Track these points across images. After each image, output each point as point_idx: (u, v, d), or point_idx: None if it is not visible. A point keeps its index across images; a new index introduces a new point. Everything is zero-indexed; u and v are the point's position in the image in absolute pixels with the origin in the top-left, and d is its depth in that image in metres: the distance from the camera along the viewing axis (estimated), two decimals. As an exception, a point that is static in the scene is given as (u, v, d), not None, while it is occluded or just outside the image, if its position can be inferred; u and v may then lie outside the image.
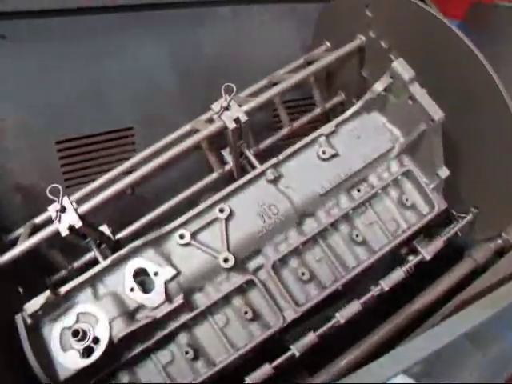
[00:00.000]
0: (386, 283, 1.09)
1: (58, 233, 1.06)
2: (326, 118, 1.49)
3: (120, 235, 1.26)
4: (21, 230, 1.18)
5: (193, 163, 1.39)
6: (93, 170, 1.34)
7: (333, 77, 1.41)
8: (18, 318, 0.96)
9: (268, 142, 1.34)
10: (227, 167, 1.30)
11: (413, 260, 1.13)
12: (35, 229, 1.16)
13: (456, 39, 0.99)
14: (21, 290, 1.12)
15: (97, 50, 1.27)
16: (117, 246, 1.25)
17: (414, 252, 1.16)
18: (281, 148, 1.31)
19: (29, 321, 0.96)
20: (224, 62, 1.36)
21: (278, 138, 1.35)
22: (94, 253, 1.13)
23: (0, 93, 1.20)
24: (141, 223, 1.29)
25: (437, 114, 1.00)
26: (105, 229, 1.24)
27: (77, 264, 1.25)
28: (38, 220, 1.18)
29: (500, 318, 1.05)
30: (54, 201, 1.05)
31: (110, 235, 1.24)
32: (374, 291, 1.10)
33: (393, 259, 1.22)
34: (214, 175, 1.31)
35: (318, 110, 1.38)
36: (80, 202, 1.10)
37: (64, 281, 1.25)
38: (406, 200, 1.10)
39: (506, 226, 1.16)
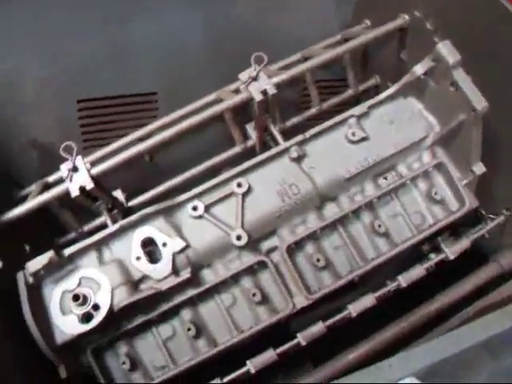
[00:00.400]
0: (405, 279, 1.03)
1: (68, 193, 1.04)
2: (357, 101, 1.42)
3: (133, 202, 1.22)
4: (31, 188, 1.15)
5: (216, 136, 1.34)
6: (112, 134, 1.29)
7: (369, 58, 1.33)
8: (20, 275, 0.93)
9: (295, 120, 1.28)
10: (250, 142, 1.25)
11: (435, 258, 1.07)
12: (47, 187, 1.13)
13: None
14: (27, 248, 1.09)
15: (125, 8, 1.21)
16: (129, 212, 1.22)
17: (437, 249, 1.10)
18: (307, 128, 1.26)
19: (30, 280, 0.93)
20: (258, 33, 1.29)
21: (306, 117, 1.29)
22: (105, 217, 1.10)
23: (24, 47, 1.16)
24: (155, 192, 1.25)
25: (480, 103, 0.93)
26: (118, 194, 1.21)
27: (87, 227, 1.22)
28: (51, 178, 1.15)
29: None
30: (67, 159, 1.03)
31: (123, 201, 1.21)
32: (391, 286, 1.04)
33: (411, 255, 1.17)
34: (236, 149, 1.25)
35: (350, 92, 1.31)
36: (95, 163, 1.06)
37: (72, 243, 1.24)
38: (435, 194, 1.03)
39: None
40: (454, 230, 1.13)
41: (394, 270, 1.09)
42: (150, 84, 1.29)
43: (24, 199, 1.14)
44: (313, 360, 1.21)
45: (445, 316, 1.11)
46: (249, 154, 1.28)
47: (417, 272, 1.04)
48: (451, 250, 1.05)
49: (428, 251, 1.15)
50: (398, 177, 1.05)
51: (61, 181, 1.13)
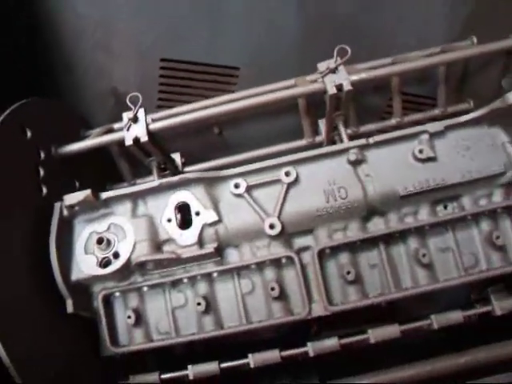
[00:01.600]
0: (438, 321, 0.94)
1: (123, 141, 1.06)
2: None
3: (189, 168, 1.23)
4: (97, 130, 1.19)
5: (290, 125, 1.30)
6: (187, 98, 1.30)
7: (467, 80, 1.22)
8: (57, 205, 0.96)
9: (370, 126, 1.21)
10: (318, 138, 1.20)
11: (479, 309, 0.96)
12: (109, 132, 1.16)
13: None
14: (77, 185, 1.12)
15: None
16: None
17: (485, 301, 0.99)
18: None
19: (65, 212, 0.96)
20: (356, 26, 1.23)
21: (382, 127, 1.21)
22: (153, 173, 1.11)
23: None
24: (212, 164, 1.24)
25: None
26: (177, 157, 1.21)
27: (140, 181, 1.24)
28: (116, 126, 1.18)
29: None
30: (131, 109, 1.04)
31: (179, 165, 1.21)
32: (422, 324, 0.95)
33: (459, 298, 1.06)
34: (303, 141, 1.21)
35: (436, 112, 1.21)
36: (157, 121, 1.07)
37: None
38: (497, 238, 0.92)
39: None
40: (510, 284, 1.01)
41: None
42: (235, 58, 1.28)
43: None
44: (320, 376, 1.14)
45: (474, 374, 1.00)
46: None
47: (454, 317, 0.94)
48: (500, 305, 0.94)
49: (476, 301, 1.04)
50: (459, 209, 0.95)
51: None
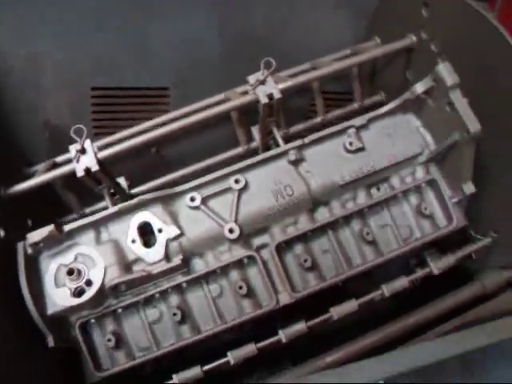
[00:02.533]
0: (388, 289, 1.07)
1: (73, 174, 1.09)
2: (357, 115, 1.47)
3: (135, 190, 1.27)
4: (40, 166, 1.20)
5: (223, 136, 1.39)
6: (121, 123, 1.34)
7: (377, 75, 1.38)
8: (20, 245, 0.97)
9: (298, 127, 1.32)
10: (253, 144, 1.29)
11: (419, 272, 1.10)
12: (54, 166, 1.18)
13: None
14: (30, 223, 1.13)
15: (149, 4, 1.26)
16: (129, 199, 1.26)
17: (423, 264, 1.13)
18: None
19: (29, 250, 0.98)
20: (272, 39, 1.34)
21: (309, 126, 1.33)
22: (106, 200, 1.15)
23: (46, 30, 1.21)
24: (157, 183, 1.30)
25: (473, 125, 0.96)
26: (122, 181, 1.25)
27: (89, 210, 1.27)
28: (60, 159, 1.20)
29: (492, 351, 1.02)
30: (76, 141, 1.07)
31: (126, 188, 1.25)
32: (375, 295, 1.08)
33: (400, 267, 1.19)
34: (239, 150, 1.30)
35: (354, 106, 1.35)
36: (102, 148, 1.11)
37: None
38: (425, 209, 1.07)
39: (524, 257, 1.12)
40: (442, 247, 1.16)
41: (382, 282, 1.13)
42: (163, 79, 1.34)
43: (32, 176, 1.20)
44: (292, 360, 1.24)
45: (423, 330, 1.14)
46: (251, 155, 1.33)
47: (401, 283, 1.07)
48: (436, 266, 1.09)
49: (415, 265, 1.18)
50: (390, 189, 1.09)
51: (68, 161, 1.19)
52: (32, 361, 0.95)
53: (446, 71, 0.98)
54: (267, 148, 1.28)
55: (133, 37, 1.27)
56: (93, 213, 1.27)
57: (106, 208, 1.24)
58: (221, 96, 1.23)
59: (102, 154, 1.08)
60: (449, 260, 1.10)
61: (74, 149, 1.06)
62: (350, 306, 1.05)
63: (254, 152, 1.31)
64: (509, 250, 1.12)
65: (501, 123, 1.03)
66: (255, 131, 1.29)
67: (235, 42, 1.34)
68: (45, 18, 1.21)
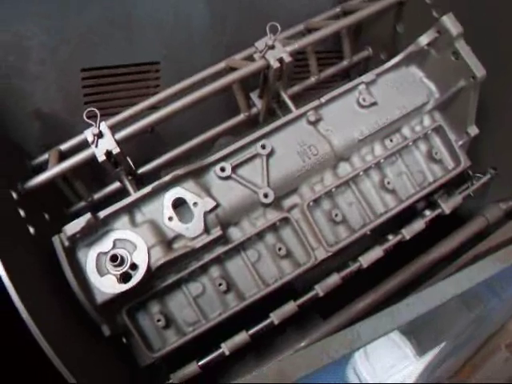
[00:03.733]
0: (408, 232, 1.14)
1: (89, 160, 1.05)
2: (345, 72, 1.51)
3: (142, 170, 1.25)
4: (44, 157, 1.14)
5: (216, 104, 1.37)
6: (115, 103, 1.30)
7: (363, 30, 1.42)
8: (56, 239, 0.93)
9: (295, 88, 1.35)
10: (254, 110, 1.30)
11: (432, 213, 1.18)
12: (62, 155, 1.13)
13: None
14: (47, 216, 1.08)
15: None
16: (140, 179, 1.24)
17: (433, 206, 1.21)
18: (306, 95, 1.34)
19: (66, 243, 0.94)
20: (257, 5, 1.34)
21: (305, 87, 1.36)
22: (124, 182, 1.12)
23: (28, 12, 1.13)
24: (162, 160, 1.28)
25: (480, 71, 1.04)
26: (129, 161, 1.22)
27: (97, 196, 1.23)
28: (64, 147, 1.15)
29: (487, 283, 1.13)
30: (74, 129, 1.04)
31: (133, 168, 1.22)
32: (396, 239, 1.14)
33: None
34: (240, 117, 1.30)
35: (344, 63, 1.39)
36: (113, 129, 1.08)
37: (81, 212, 1.24)
38: (436, 154, 1.14)
39: (519, 188, 1.23)
40: (446, 189, 1.25)
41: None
42: (153, 54, 1.31)
43: (38, 168, 1.14)
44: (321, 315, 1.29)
45: (441, 266, 1.24)
46: (253, 121, 1.34)
47: (419, 225, 1.15)
48: (447, 206, 1.17)
49: (423, 209, 1.27)
50: (402, 139, 1.15)
51: (75, 148, 1.14)
52: (91, 351, 0.93)
53: (450, 22, 1.04)
54: (270, 112, 1.30)
55: (119, 13, 1.22)
56: (103, 198, 1.25)
57: (119, 191, 1.23)
58: (222, 65, 1.22)
59: (120, 135, 1.05)
60: (457, 199, 1.19)
61: (90, 133, 1.02)
62: (377, 252, 1.12)
63: (255, 118, 1.32)
64: (503, 185, 1.24)
65: (494, 66, 1.11)
66: (255, 97, 1.30)
67: (221, 11, 1.32)
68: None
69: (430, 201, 1.24)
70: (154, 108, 1.16)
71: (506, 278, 1.42)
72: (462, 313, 1.48)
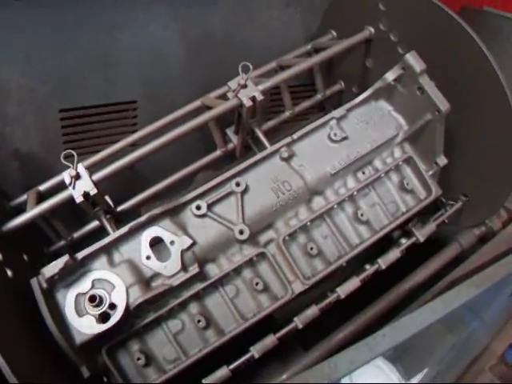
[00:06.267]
0: (384, 262, 1.16)
1: (67, 201, 1.07)
2: (321, 104, 1.55)
3: (122, 207, 1.26)
4: (22, 198, 1.16)
5: (193, 140, 1.41)
6: (93, 142, 1.32)
7: (335, 65, 1.46)
8: (34, 281, 0.94)
9: (270, 123, 1.38)
10: (230, 146, 1.33)
11: (407, 242, 1.21)
12: (40, 196, 1.14)
13: (467, 38, 1.06)
14: (25, 257, 1.09)
15: (107, 20, 1.25)
16: (119, 217, 1.26)
17: (407, 234, 1.24)
18: (281, 130, 1.37)
19: (44, 285, 0.95)
20: (231, 44, 1.38)
21: (280, 121, 1.39)
22: (103, 222, 1.13)
23: (7, 56, 1.16)
24: (142, 197, 1.30)
25: (444, 105, 1.08)
26: (108, 199, 1.24)
27: (77, 234, 1.25)
28: (43, 188, 1.16)
29: (468, 305, 1.16)
30: (53, 169, 1.06)
31: (112, 206, 1.24)
32: (372, 269, 1.17)
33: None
34: (217, 152, 1.33)
35: (318, 97, 1.43)
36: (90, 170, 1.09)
37: (61, 252, 1.25)
38: (407, 184, 1.17)
39: (491, 215, 1.26)
40: (420, 217, 1.28)
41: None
42: (130, 93, 1.34)
43: (17, 209, 1.15)
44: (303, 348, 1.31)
45: (418, 293, 1.26)
46: (227, 157, 1.37)
47: (394, 255, 1.17)
48: (421, 234, 1.20)
49: (398, 237, 1.29)
50: (374, 171, 1.18)
51: (53, 189, 1.16)
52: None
53: (413, 59, 1.09)
54: (246, 147, 1.33)
55: (96, 53, 1.26)
56: (82, 237, 1.27)
57: (98, 230, 1.24)
58: (197, 103, 1.25)
59: (97, 176, 1.07)
60: (430, 227, 1.21)
61: (67, 175, 1.04)
62: (354, 283, 1.14)
63: (231, 153, 1.34)
64: (476, 210, 1.27)
65: (458, 98, 1.15)
66: (230, 133, 1.33)
67: (196, 48, 1.36)
68: (3, 42, 1.15)
69: (404, 229, 1.26)
70: (132, 146, 1.19)
71: (486, 299, 1.44)
72: (444, 337, 1.50)
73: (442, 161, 1.17)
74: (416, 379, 1.53)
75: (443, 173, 1.22)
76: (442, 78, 1.12)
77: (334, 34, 1.39)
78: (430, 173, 1.18)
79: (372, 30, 1.27)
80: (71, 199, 1.04)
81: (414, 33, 1.18)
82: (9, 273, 0.97)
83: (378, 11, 1.22)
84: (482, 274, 1.10)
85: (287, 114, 1.40)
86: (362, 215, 1.14)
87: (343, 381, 1.42)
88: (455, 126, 1.18)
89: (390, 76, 1.13)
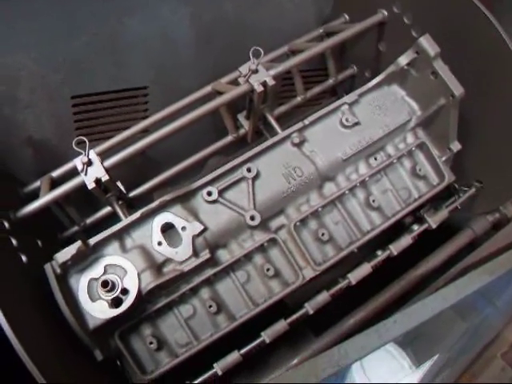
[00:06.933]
0: (396, 248, 1.16)
1: (80, 187, 1.08)
2: (332, 90, 1.54)
3: (134, 193, 1.27)
4: (36, 184, 1.17)
5: (204, 126, 1.40)
6: (105, 128, 1.33)
7: (347, 49, 1.45)
8: (48, 267, 0.96)
9: (282, 108, 1.37)
10: (242, 131, 1.33)
11: (419, 228, 1.20)
12: (53, 182, 1.15)
13: (485, 22, 1.04)
14: (40, 243, 1.11)
15: (117, 5, 1.25)
16: (131, 203, 1.26)
17: (419, 221, 1.23)
18: (293, 115, 1.36)
19: (58, 270, 0.97)
20: (242, 28, 1.37)
21: (291, 106, 1.38)
22: (115, 207, 1.14)
23: (18, 42, 1.17)
24: (154, 183, 1.30)
25: (458, 89, 1.06)
26: (120, 185, 1.24)
27: (89, 220, 1.26)
28: (55, 174, 1.17)
29: (481, 291, 1.15)
30: (66, 155, 1.06)
31: (124, 192, 1.25)
32: (383, 255, 1.16)
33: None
34: (228, 138, 1.33)
35: (330, 82, 1.42)
36: (101, 156, 1.10)
37: (73, 237, 1.26)
38: (420, 170, 1.16)
39: (505, 201, 1.25)
40: (432, 203, 1.27)
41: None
42: (141, 78, 1.33)
43: (31, 195, 1.16)
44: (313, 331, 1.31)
45: (430, 280, 1.25)
46: (240, 142, 1.36)
47: (406, 241, 1.16)
48: (433, 220, 1.19)
49: (410, 224, 1.28)
50: (386, 156, 1.17)
51: (66, 175, 1.17)
52: (84, 377, 0.95)
53: (427, 43, 1.07)
54: (256, 133, 1.32)
55: (106, 39, 1.25)
56: (95, 223, 1.28)
57: (111, 215, 1.25)
58: (208, 88, 1.25)
59: (108, 163, 1.07)
60: (442, 213, 1.20)
61: (79, 161, 1.05)
62: (365, 269, 1.14)
63: (243, 138, 1.34)
64: (490, 196, 1.26)
65: (473, 82, 1.13)
66: (242, 119, 1.32)
67: (206, 33, 1.35)
68: (14, 29, 1.16)
69: (416, 216, 1.25)
70: (143, 132, 1.19)
71: (500, 286, 1.43)
72: (456, 323, 1.49)
73: (456, 146, 1.16)
74: (425, 365, 1.54)
75: (457, 158, 1.21)
76: (457, 61, 1.10)
77: (347, 17, 1.37)
78: (444, 158, 1.17)
79: (385, 12, 1.24)
80: (83, 185, 1.06)
81: (427, 15, 1.15)
82: (23, 258, 0.99)
83: (391, -7, 1.20)
84: (495, 261, 1.09)
85: (299, 99, 1.39)
86: (373, 201, 1.13)
87: (353, 364, 1.44)
88: (470, 111, 1.16)
89: (403, 60, 1.11)
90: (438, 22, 1.13)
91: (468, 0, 1.06)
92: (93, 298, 0.98)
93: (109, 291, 0.97)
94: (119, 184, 1.24)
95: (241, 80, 1.15)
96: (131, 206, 1.25)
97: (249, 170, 1.07)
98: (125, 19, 1.27)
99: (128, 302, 0.98)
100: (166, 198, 1.03)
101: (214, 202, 1.06)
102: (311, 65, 1.47)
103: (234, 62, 1.21)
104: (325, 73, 1.44)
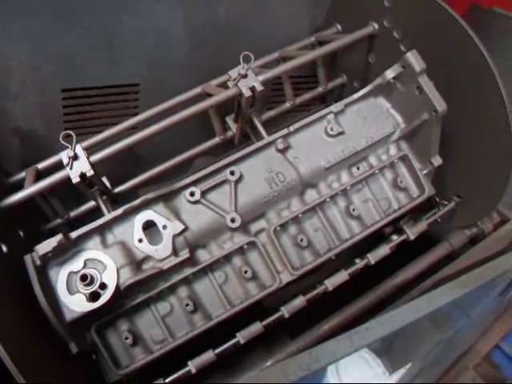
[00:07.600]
0: (373, 257, 1.18)
1: (64, 180, 1.09)
2: (322, 97, 1.56)
3: (119, 189, 1.28)
4: (21, 175, 1.18)
5: (192, 126, 1.42)
6: (94, 123, 1.34)
7: (338, 58, 1.47)
8: (27, 258, 0.97)
9: (270, 113, 1.39)
10: (229, 133, 1.34)
11: (397, 239, 1.22)
12: (39, 174, 1.16)
13: (470, 42, 1.06)
14: (21, 234, 1.12)
15: (112, 1, 1.25)
16: (115, 199, 1.28)
17: (399, 232, 1.25)
18: (281, 120, 1.38)
19: (38, 262, 0.98)
20: (235, 32, 1.38)
21: (280, 112, 1.40)
22: (99, 202, 1.15)
23: (10, 34, 1.17)
24: (139, 180, 1.31)
25: (441, 105, 1.09)
26: (105, 181, 1.25)
27: (73, 214, 1.27)
28: (42, 166, 1.18)
29: (456, 303, 1.17)
30: (53, 147, 1.08)
31: (110, 188, 1.26)
32: (361, 263, 1.18)
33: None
34: (216, 140, 1.34)
35: (320, 90, 1.44)
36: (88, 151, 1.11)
37: (57, 229, 1.27)
38: (401, 182, 1.19)
39: (483, 216, 1.27)
40: (412, 215, 1.29)
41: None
42: (133, 75, 1.35)
43: (15, 186, 1.17)
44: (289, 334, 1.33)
45: (406, 290, 1.28)
46: (227, 145, 1.38)
47: (384, 251, 1.19)
48: (412, 232, 1.21)
49: (389, 234, 1.31)
50: (368, 167, 1.19)
51: (52, 168, 1.17)
52: (58, 368, 0.96)
53: (413, 58, 1.09)
54: (244, 136, 1.34)
55: (100, 34, 1.26)
56: (79, 216, 1.29)
57: (95, 209, 1.26)
58: (198, 90, 1.26)
59: (94, 158, 1.09)
60: (422, 225, 1.23)
61: (65, 155, 1.05)
62: (342, 276, 1.16)
63: (230, 141, 1.36)
64: (468, 211, 1.28)
65: (456, 99, 1.15)
66: (230, 121, 1.34)
67: (199, 35, 1.36)
68: (8, 21, 1.16)
69: (396, 226, 1.28)
70: (132, 129, 1.20)
71: (475, 298, 1.46)
72: (430, 333, 1.52)
73: (437, 161, 1.18)
74: (399, 373, 1.56)
75: (438, 173, 1.23)
76: (442, 78, 1.12)
77: (339, 27, 1.39)
78: (425, 172, 1.19)
79: (376, 25, 1.27)
80: (69, 179, 1.07)
81: (417, 31, 1.17)
82: (4, 248, 0.99)
83: (382, 7, 1.22)
84: (469, 274, 1.12)
85: (288, 104, 1.41)
86: (353, 210, 1.15)
87: (329, 369, 1.46)
88: (452, 126, 1.18)
89: (390, 73, 1.14)
90: (426, 39, 1.15)
91: (455, 21, 1.09)
92: (71, 291, 0.99)
93: (87, 285, 0.99)
94: (104, 179, 1.25)
95: (230, 84, 1.16)
96: (115, 201, 1.26)
97: (232, 173, 1.09)
98: (120, 16, 1.27)
99: (106, 296, 0.99)
100: (149, 196, 1.05)
101: (196, 202, 1.08)
102: (302, 72, 1.49)
103: (225, 65, 1.23)
104: (315, 80, 1.46)
